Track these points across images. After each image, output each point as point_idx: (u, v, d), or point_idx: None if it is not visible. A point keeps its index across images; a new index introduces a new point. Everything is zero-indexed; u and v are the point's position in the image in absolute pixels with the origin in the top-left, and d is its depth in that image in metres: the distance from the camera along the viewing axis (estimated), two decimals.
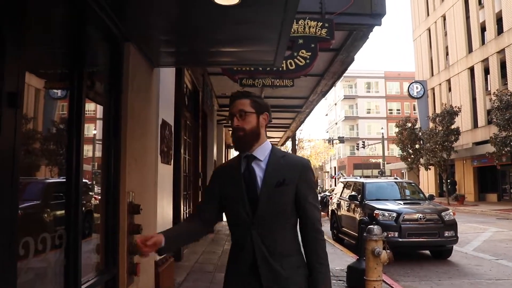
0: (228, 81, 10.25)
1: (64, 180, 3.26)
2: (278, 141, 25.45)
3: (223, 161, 18.53)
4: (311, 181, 2.30)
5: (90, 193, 3.99)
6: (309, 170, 2.30)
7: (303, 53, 6.96)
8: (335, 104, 74.29)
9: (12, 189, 2.48)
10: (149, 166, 5.05)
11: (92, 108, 4.13)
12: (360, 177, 22.72)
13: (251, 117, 2.26)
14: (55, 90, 4.37)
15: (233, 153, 30.68)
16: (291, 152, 22.58)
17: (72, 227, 3.08)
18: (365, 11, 6.96)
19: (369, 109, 70.07)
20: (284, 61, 6.72)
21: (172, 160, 6.41)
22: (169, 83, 6.31)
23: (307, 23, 6.90)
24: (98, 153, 4.16)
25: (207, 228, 2.55)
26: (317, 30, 6.91)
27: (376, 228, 5.77)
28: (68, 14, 3.43)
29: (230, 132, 2.42)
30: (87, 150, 3.91)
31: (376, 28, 7.25)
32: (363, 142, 56.87)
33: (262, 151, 2.29)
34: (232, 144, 2.46)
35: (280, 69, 6.74)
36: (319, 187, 64.26)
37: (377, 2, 6.91)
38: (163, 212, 5.80)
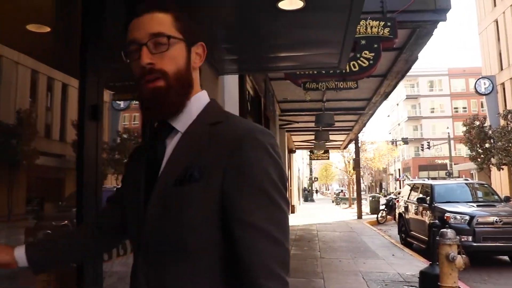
0: (289, 85, 10.26)
1: None
2: (341, 145, 25.09)
3: (287, 168, 18.53)
4: (259, 174, 1.10)
5: None
6: (254, 150, 1.12)
7: (366, 54, 6.86)
8: (397, 104, 72.43)
9: (96, 196, 2.63)
10: None
11: None
12: (428, 179, 21.97)
13: (178, 48, 1.21)
14: (119, 102, 4.56)
15: (296, 159, 30.53)
16: (356, 152, 22.09)
17: None
18: (428, 7, 6.77)
19: (433, 108, 67.71)
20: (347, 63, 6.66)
21: None
22: (232, 90, 6.41)
23: (369, 23, 6.80)
24: None
25: (110, 239, 1.49)
26: (380, 29, 6.79)
27: (449, 232, 5.57)
28: None
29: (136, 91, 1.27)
30: None
31: (440, 24, 7.02)
32: (428, 142, 54.95)
33: (186, 114, 1.23)
34: (164, 115, 1.26)
35: (344, 71, 6.67)
36: (383, 190, 62.69)
37: None
38: None
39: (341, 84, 8.41)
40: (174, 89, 1.18)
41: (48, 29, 3.31)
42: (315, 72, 7.48)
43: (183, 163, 1.14)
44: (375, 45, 6.79)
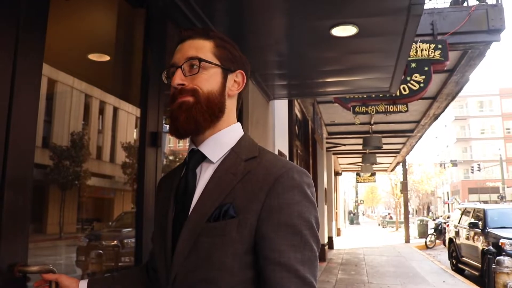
0: (337, 108, 10.27)
1: None
2: (388, 167, 24.66)
3: (333, 189, 18.39)
4: (295, 216, 1.09)
5: None
6: (290, 190, 1.11)
7: (416, 77, 6.82)
8: (445, 125, 70.62)
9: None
10: None
11: None
12: (479, 202, 21.23)
13: (213, 72, 1.22)
14: (165, 125, 4.71)
15: (342, 181, 30.23)
16: (403, 175, 21.65)
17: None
18: (481, 27, 6.67)
19: (483, 129, 65.52)
20: None
21: None
22: (282, 114, 6.50)
23: (419, 46, 6.76)
24: None
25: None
26: (430, 52, 6.74)
27: (507, 260, 5.39)
28: None
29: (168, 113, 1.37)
30: None
31: (494, 44, 6.90)
32: (478, 164, 53.13)
33: (220, 144, 1.22)
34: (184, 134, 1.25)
35: (394, 94, 6.65)
36: (431, 213, 60.82)
37: (495, 17, 6.59)
38: None
39: (391, 108, 8.37)
40: (201, 107, 1.18)
41: (109, 58, 3.51)
42: (365, 96, 7.48)
43: (217, 200, 1.12)
44: (426, 68, 6.74)
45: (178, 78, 1.20)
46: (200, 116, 1.18)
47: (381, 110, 8.40)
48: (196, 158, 1.22)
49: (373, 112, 8.40)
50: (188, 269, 1.11)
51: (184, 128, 1.20)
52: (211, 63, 1.20)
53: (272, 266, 1.06)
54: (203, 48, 1.22)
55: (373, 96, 7.43)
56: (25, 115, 1.64)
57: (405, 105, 8.34)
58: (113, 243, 4.39)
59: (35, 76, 1.72)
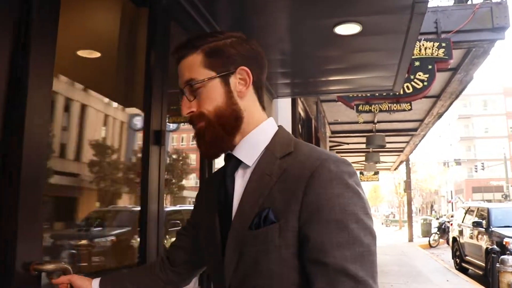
0: (340, 106, 10.26)
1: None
2: (391, 166, 24.61)
3: None
4: (336, 210, 1.01)
5: None
6: (328, 183, 1.03)
7: (420, 75, 6.80)
8: (449, 124, 70.45)
9: (158, 217, 2.74)
10: None
11: None
12: (483, 201, 21.18)
13: (212, 86, 1.15)
14: (169, 124, 4.70)
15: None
16: (407, 174, 21.59)
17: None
18: (485, 25, 6.65)
19: (487, 128, 65.34)
20: None
21: None
22: (285, 113, 6.49)
23: (423, 45, 6.75)
24: None
25: (183, 273, 1.42)
26: (434, 51, 6.72)
27: (511, 259, 5.36)
28: None
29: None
30: None
31: (497, 42, 6.87)
32: (482, 163, 53.01)
33: (253, 146, 1.17)
34: None
35: (397, 93, 6.64)
36: (434, 212, 60.69)
37: (499, 15, 6.57)
38: None
39: (395, 106, 8.34)
40: (214, 128, 1.14)
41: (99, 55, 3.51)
42: (368, 94, 7.47)
43: (256, 205, 1.07)
44: (430, 67, 6.73)
45: (185, 107, 1.17)
46: (218, 137, 1.15)
47: (384, 109, 8.38)
48: (233, 163, 1.18)
49: (376, 110, 8.39)
50: (239, 279, 1.09)
51: (210, 154, 1.20)
52: (203, 81, 1.14)
53: (318, 267, 0.99)
54: (194, 65, 1.15)
55: (377, 94, 7.42)
56: (38, 117, 1.64)
57: (408, 104, 8.30)
58: (83, 243, 4.31)
59: (47, 76, 1.72)
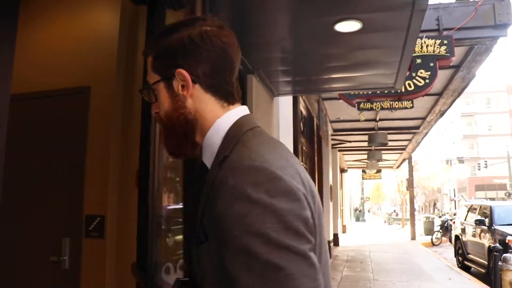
0: (342, 104, 10.22)
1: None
2: (394, 164, 24.57)
3: (338, 186, 18.32)
4: (246, 234, 0.83)
5: None
6: (226, 198, 0.87)
7: (421, 73, 6.77)
8: (452, 122, 70.29)
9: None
10: None
11: None
12: (486, 199, 21.12)
13: (160, 90, 1.10)
14: None
15: (347, 178, 30.18)
16: (409, 172, 21.54)
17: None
18: (487, 22, 6.61)
19: (491, 126, 65.15)
20: None
21: None
22: (286, 111, 6.48)
23: (425, 42, 6.71)
24: None
25: None
26: (436, 48, 6.69)
27: None
28: None
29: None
30: None
31: (500, 39, 6.84)
32: (485, 161, 52.87)
33: (209, 150, 1.07)
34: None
35: (399, 91, 6.61)
36: (437, 210, 60.55)
37: (502, 12, 6.53)
38: None
39: (396, 104, 8.29)
40: (167, 131, 1.10)
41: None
42: (370, 92, 7.44)
43: (198, 221, 0.98)
44: (431, 64, 6.69)
45: (153, 107, 1.13)
46: (175, 140, 1.10)
47: (386, 107, 8.35)
48: (203, 170, 1.07)
49: (378, 108, 8.36)
50: None
51: (176, 155, 1.16)
52: (150, 86, 1.10)
53: None
54: (149, 67, 1.11)
55: (378, 92, 7.39)
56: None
57: (410, 102, 8.26)
58: None
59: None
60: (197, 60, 1.06)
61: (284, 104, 6.28)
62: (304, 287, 0.82)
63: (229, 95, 1.10)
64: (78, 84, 3.56)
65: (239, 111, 1.09)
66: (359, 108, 8.33)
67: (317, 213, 0.95)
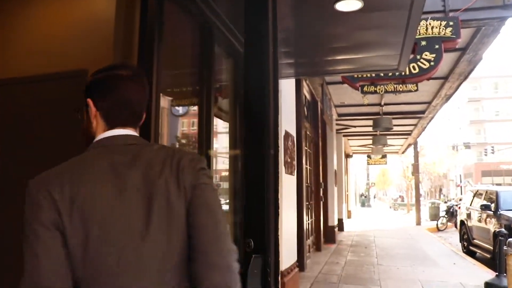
0: (347, 89, 10.10)
1: None
2: (399, 149, 24.43)
3: (343, 171, 18.25)
4: None
5: None
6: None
7: (426, 55, 6.64)
8: (458, 107, 69.77)
9: None
10: None
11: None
12: (492, 185, 21.00)
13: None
14: (178, 108, 4.66)
15: (352, 164, 30.12)
16: (415, 157, 21.48)
17: None
18: (496, 2, 6.46)
19: (498, 111, 64.60)
20: None
21: (295, 171, 6.46)
22: (289, 94, 6.38)
23: (430, 24, 6.57)
24: (220, 166, 4.34)
25: None
26: (441, 30, 6.55)
27: None
28: (198, 38, 3.64)
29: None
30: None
31: (508, 20, 6.68)
32: (492, 147, 52.54)
33: None
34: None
35: (403, 73, 6.48)
36: (443, 196, 60.42)
37: None
38: (288, 222, 5.84)
39: (400, 87, 8.14)
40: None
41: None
42: (373, 75, 7.30)
43: None
44: (436, 46, 6.56)
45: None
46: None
47: (390, 90, 8.18)
48: None
49: (381, 91, 8.19)
50: None
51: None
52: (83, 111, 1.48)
53: None
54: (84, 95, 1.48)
55: (382, 75, 7.25)
56: None
57: (414, 85, 8.09)
58: None
59: None
60: (98, 93, 1.42)
61: (287, 88, 6.19)
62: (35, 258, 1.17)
63: (113, 120, 1.42)
64: (75, 67, 3.50)
65: (109, 133, 1.41)
66: (362, 92, 8.17)
67: (78, 213, 1.20)
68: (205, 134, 3.64)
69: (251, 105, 1.87)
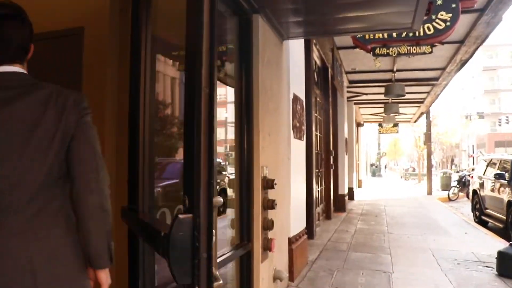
0: (358, 54, 9.82)
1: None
2: (411, 118, 24.03)
3: (354, 140, 18.05)
4: None
5: (224, 173, 4.03)
6: None
7: (442, 15, 6.33)
8: (473, 77, 68.55)
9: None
10: (282, 141, 4.96)
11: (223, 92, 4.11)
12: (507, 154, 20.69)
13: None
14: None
15: (364, 133, 29.83)
16: (427, 126, 21.23)
17: None
18: None
19: None
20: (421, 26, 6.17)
21: (304, 136, 6.29)
22: (298, 58, 6.15)
23: None
24: (230, 135, 4.20)
25: None
26: None
27: None
28: None
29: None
30: (220, 133, 3.95)
31: None
32: (507, 117, 51.78)
33: None
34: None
35: (417, 34, 6.20)
36: (455, 166, 60.01)
37: None
38: (297, 189, 5.70)
39: (414, 49, 7.74)
40: None
41: None
42: (386, 36, 6.99)
43: None
44: (453, 5, 6.23)
45: None
46: None
47: (403, 52, 7.80)
48: None
49: (394, 53, 7.80)
50: None
51: None
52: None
53: None
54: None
55: (395, 36, 6.93)
56: None
57: (429, 47, 7.68)
58: None
59: None
60: None
61: (296, 52, 5.94)
62: None
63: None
64: (71, 25, 3.35)
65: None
66: (374, 54, 7.82)
67: None
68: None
69: (187, 39, 1.66)
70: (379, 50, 7.75)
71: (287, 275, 4.98)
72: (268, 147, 4.29)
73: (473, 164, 44.46)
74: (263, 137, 4.12)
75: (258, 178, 4.00)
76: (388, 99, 15.10)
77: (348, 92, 14.82)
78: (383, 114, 18.33)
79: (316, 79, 9.23)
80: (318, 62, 9.60)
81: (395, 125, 27.18)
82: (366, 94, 15.64)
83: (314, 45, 8.50)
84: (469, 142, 68.02)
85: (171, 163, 4.66)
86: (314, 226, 7.97)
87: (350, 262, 6.37)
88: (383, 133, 31.18)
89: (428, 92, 15.42)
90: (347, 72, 12.68)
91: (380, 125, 28.34)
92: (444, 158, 72.75)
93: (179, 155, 4.19)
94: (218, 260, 3.14)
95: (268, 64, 4.44)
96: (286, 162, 5.15)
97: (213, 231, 1.41)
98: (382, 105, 16.16)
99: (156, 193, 3.12)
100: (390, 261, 6.47)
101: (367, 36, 7.08)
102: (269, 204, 4.13)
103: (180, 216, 1.39)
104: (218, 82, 3.98)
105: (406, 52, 7.75)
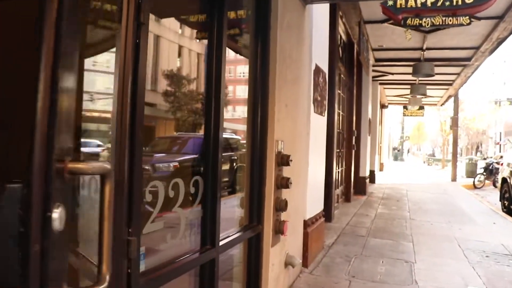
0: (386, 29, 9.25)
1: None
2: (438, 101, 23.19)
3: (378, 121, 17.45)
4: None
5: (243, 150, 3.66)
6: None
7: None
8: (504, 61, 66.30)
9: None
10: (301, 114, 4.54)
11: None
12: None
13: None
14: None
15: (387, 115, 29.06)
16: (454, 109, 20.51)
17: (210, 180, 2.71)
18: None
19: None
20: None
21: (326, 112, 5.84)
22: (322, 28, 5.67)
23: None
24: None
25: None
26: None
27: None
28: None
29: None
30: (242, 111, 3.57)
31: None
32: None
33: None
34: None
35: (454, 3, 5.63)
36: (479, 153, 58.63)
37: None
38: (315, 167, 5.28)
39: (450, 20, 6.99)
40: None
41: None
42: (419, 4, 6.38)
43: None
44: None
45: None
46: None
47: (437, 23, 7.06)
48: None
49: (427, 25, 7.07)
50: None
51: None
52: None
53: None
54: None
55: (429, 5, 6.30)
56: None
57: (467, 17, 6.89)
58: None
59: None
60: None
61: (320, 23, 5.46)
62: None
63: None
64: None
65: None
66: (405, 25, 7.12)
67: None
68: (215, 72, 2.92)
69: None
70: (411, 21, 7.02)
71: (300, 261, 4.61)
72: (285, 119, 3.88)
73: (500, 152, 43.26)
74: (279, 108, 3.71)
75: (272, 153, 3.60)
76: (416, 80, 14.43)
77: (373, 71, 14.21)
78: (409, 96, 17.65)
79: (340, 54, 8.73)
80: (343, 37, 9.09)
81: (421, 107, 26.32)
82: (392, 74, 15.00)
83: (340, 18, 7.98)
84: (497, 129, 66.25)
85: None
86: (332, 209, 7.58)
87: (369, 249, 5.99)
88: (407, 115, 30.31)
89: (458, 74, 14.67)
90: (373, 49, 12.06)
91: (405, 107, 27.51)
92: (469, 145, 71.17)
93: None
94: (221, 242, 2.77)
95: (288, 29, 4.00)
96: (305, 138, 4.73)
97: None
98: (408, 87, 15.51)
99: None
100: (412, 250, 6.06)
101: (398, 4, 6.48)
102: (283, 183, 3.74)
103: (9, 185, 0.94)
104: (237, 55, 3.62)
105: (441, 23, 7.00)
